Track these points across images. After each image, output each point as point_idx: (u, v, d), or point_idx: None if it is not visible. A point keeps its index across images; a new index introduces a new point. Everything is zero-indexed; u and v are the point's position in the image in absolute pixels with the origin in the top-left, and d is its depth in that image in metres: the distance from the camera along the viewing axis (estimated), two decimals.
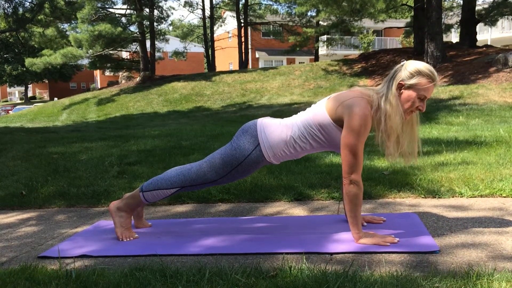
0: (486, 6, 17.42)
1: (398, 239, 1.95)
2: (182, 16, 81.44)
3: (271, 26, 28.21)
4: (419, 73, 1.93)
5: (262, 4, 31.75)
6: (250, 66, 27.76)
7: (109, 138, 6.15)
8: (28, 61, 21.27)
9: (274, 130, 2.07)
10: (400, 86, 1.96)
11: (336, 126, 1.98)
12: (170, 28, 33.54)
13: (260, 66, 30.57)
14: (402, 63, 2.00)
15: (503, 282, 1.46)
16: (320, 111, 2.02)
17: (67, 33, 22.71)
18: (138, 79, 22.62)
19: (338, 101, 1.98)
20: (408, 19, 24.04)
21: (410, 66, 1.96)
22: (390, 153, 2.03)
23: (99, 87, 37.59)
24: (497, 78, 11.26)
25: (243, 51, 24.73)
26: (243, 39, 24.59)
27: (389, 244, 1.91)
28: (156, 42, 23.21)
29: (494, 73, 11.67)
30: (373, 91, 2.01)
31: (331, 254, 1.87)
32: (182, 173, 2.18)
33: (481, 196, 2.67)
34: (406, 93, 1.95)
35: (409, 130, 2.04)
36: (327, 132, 2.01)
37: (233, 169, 2.09)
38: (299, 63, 28.80)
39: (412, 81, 1.93)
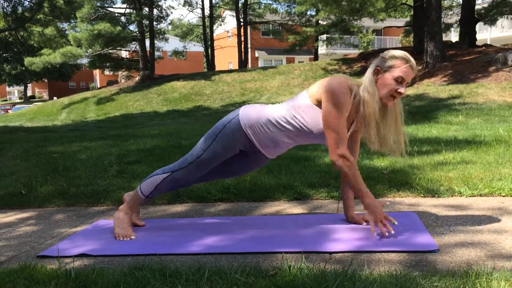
0: (485, 5, 17.41)
1: (392, 230, 1.97)
2: (182, 15, 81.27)
3: (271, 25, 28.21)
4: (393, 56, 2.00)
5: (262, 3, 31.73)
6: (249, 65, 27.74)
7: (108, 138, 6.15)
8: (27, 60, 21.26)
9: (257, 106, 2.17)
10: (377, 72, 2.01)
11: (317, 108, 2.02)
12: (170, 27, 33.49)
13: (259, 66, 30.54)
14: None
15: (502, 281, 1.46)
16: (302, 94, 2.09)
17: (66, 32, 22.70)
18: (137, 78, 22.61)
19: (318, 83, 2.04)
20: (408, 18, 24.03)
21: (385, 53, 2.04)
22: (371, 140, 2.06)
23: (98, 87, 37.57)
24: (496, 77, 11.26)
25: (243, 50, 24.72)
26: (242, 38, 24.58)
27: (384, 230, 1.96)
28: (155, 41, 23.20)
29: (493, 72, 11.68)
30: (355, 82, 2.07)
31: (330, 253, 1.87)
32: (174, 163, 2.28)
33: (480, 195, 2.67)
34: (382, 77, 2.00)
35: (392, 123, 2.06)
36: (309, 115, 2.03)
37: (214, 141, 2.13)
38: (299, 62, 28.76)
39: (387, 64, 1.99)
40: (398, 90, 1.97)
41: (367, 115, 1.98)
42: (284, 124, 2.07)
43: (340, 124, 1.95)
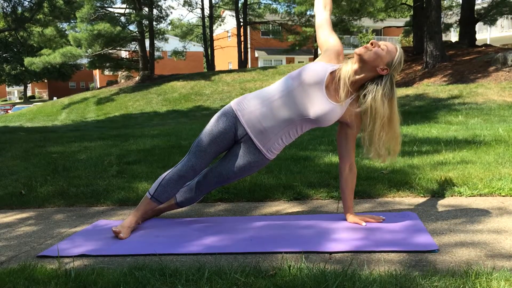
0: (485, 5, 17.42)
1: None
2: (181, 15, 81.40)
3: (270, 25, 28.23)
4: None
5: (262, 3, 31.73)
6: (249, 65, 27.74)
7: (108, 138, 6.15)
8: (27, 60, 21.26)
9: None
10: None
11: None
12: (169, 27, 33.50)
13: (259, 66, 30.53)
14: None
15: (501, 281, 1.47)
16: None
17: (66, 32, 22.71)
18: (137, 78, 22.62)
19: None
20: (408, 18, 24.03)
21: None
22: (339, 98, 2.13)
23: (98, 87, 37.56)
24: (496, 77, 11.26)
25: (242, 50, 24.73)
26: (242, 38, 24.59)
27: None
28: (155, 42, 23.20)
29: (493, 72, 11.68)
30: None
31: (330, 253, 1.87)
32: None
33: (480, 195, 2.67)
34: None
35: (386, 129, 2.09)
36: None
37: (209, 122, 2.33)
38: (299, 62, 28.77)
39: None
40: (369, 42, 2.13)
41: (342, 70, 2.12)
42: (266, 91, 2.22)
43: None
